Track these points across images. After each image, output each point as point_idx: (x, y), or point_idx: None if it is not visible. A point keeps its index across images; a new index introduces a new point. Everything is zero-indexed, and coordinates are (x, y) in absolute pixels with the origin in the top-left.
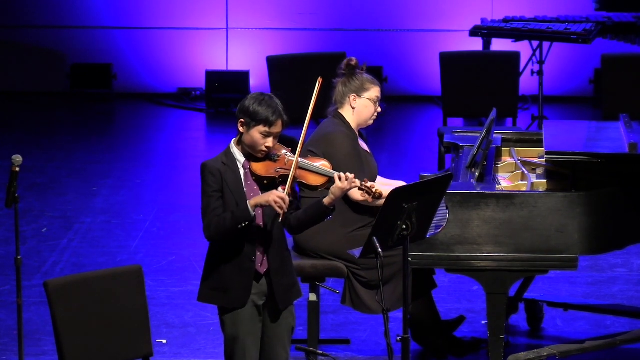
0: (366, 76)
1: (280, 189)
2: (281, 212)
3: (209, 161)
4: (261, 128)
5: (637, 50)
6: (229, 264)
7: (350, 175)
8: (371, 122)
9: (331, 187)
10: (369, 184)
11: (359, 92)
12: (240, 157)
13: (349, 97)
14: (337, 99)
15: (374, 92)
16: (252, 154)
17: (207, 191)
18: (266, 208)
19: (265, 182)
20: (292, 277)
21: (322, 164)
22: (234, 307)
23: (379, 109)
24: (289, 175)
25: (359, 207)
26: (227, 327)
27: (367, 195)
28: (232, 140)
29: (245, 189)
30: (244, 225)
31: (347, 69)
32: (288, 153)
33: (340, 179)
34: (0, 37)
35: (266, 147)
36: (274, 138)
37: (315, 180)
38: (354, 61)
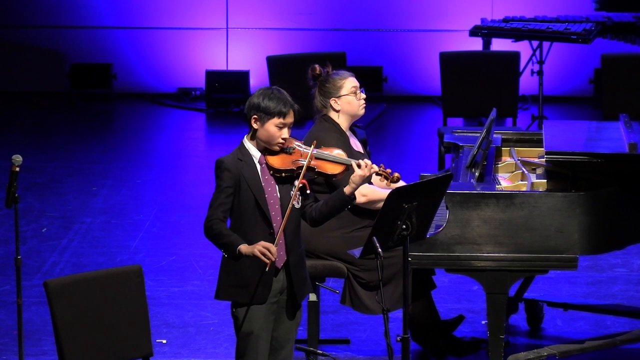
0: (335, 75)
1: (296, 182)
2: (268, 262)
3: (225, 157)
4: (276, 120)
5: (637, 50)
6: (248, 260)
7: (369, 162)
8: (362, 111)
9: (351, 176)
10: (387, 169)
11: (335, 93)
12: (255, 153)
13: (330, 102)
14: (319, 108)
15: (349, 85)
16: (267, 149)
17: (220, 185)
18: (284, 198)
19: (284, 174)
20: (307, 272)
21: (338, 153)
22: (255, 303)
23: (363, 96)
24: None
25: (358, 207)
26: (242, 324)
27: (385, 180)
28: (245, 137)
29: (263, 184)
30: (225, 255)
31: (315, 80)
32: (302, 145)
33: (359, 166)
34: (0, 37)
35: (283, 138)
36: (288, 129)
37: (333, 169)
38: (317, 70)
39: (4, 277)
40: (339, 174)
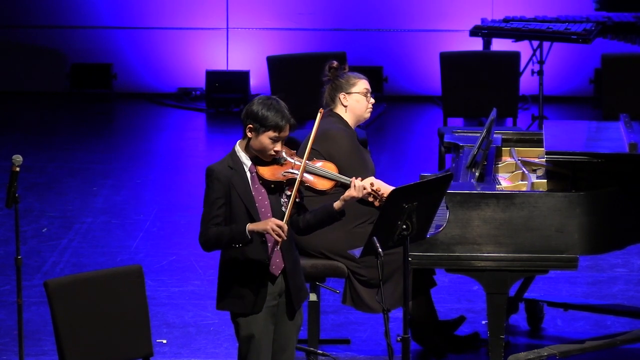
0: (350, 73)
1: (287, 191)
2: (279, 240)
3: (215, 165)
4: (271, 133)
5: (637, 50)
6: (244, 269)
7: (360, 183)
8: (367, 115)
9: (344, 194)
10: (375, 187)
11: (346, 89)
12: (246, 161)
13: (339, 97)
14: (327, 102)
15: (362, 85)
16: (258, 157)
17: (210, 196)
18: (275, 206)
19: (273, 185)
20: (302, 277)
21: (323, 165)
22: (252, 312)
23: (372, 101)
24: (295, 179)
25: (360, 203)
26: (242, 329)
27: (373, 199)
28: (237, 143)
29: (253, 193)
30: (238, 245)
31: (330, 72)
32: (294, 157)
33: (355, 186)
34: (0, 37)
35: (275, 151)
36: (281, 141)
37: (322, 185)
38: (335, 64)
39: (4, 277)
40: (328, 190)
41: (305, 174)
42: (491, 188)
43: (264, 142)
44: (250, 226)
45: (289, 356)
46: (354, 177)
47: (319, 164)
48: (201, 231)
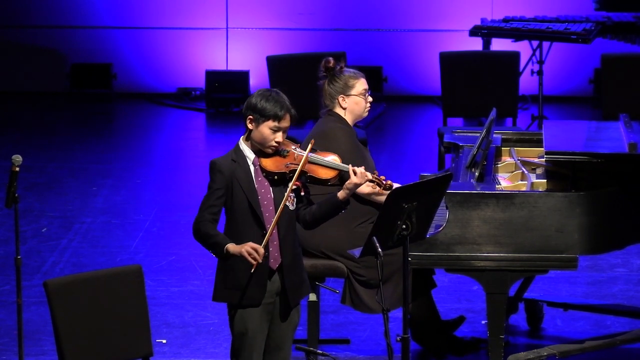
0: (347, 73)
1: (290, 183)
2: (254, 263)
3: (218, 159)
4: (270, 123)
5: (637, 50)
6: (242, 262)
7: (363, 170)
8: (366, 114)
9: (346, 183)
10: (381, 176)
11: (345, 91)
12: (249, 154)
13: (338, 99)
14: (326, 102)
15: (360, 86)
16: (261, 150)
17: (211, 187)
18: (278, 199)
19: (276, 177)
20: (303, 274)
21: (333, 159)
22: (249, 305)
23: (370, 99)
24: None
25: (360, 202)
26: (236, 324)
27: (377, 187)
28: (241, 138)
29: (256, 185)
30: (214, 254)
31: (326, 71)
32: (297, 148)
33: (355, 173)
34: (0, 37)
35: (276, 142)
36: (283, 132)
37: (325, 174)
38: (331, 62)
39: (4, 277)
40: (331, 179)
41: (308, 164)
42: (491, 188)
43: (264, 132)
44: (228, 246)
45: (285, 355)
46: (350, 165)
47: (328, 158)
48: (197, 217)
